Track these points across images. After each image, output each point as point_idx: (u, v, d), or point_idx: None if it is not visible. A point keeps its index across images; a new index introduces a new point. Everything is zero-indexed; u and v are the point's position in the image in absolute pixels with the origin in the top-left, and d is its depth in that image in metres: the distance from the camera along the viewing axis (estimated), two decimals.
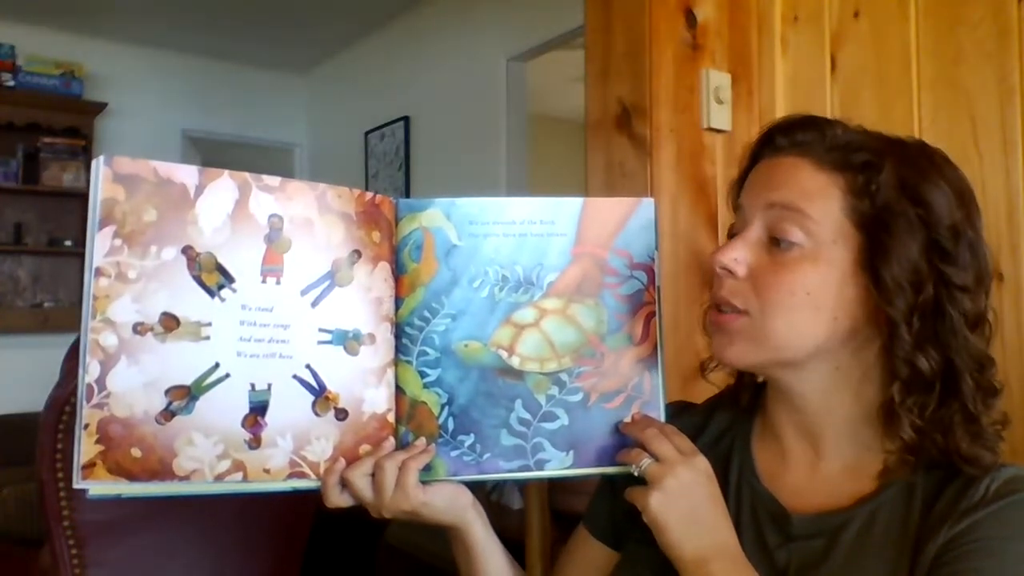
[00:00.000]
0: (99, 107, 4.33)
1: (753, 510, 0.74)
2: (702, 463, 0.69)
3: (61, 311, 4.25)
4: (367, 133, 4.48)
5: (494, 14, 3.62)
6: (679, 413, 0.85)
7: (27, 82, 4.14)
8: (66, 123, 4.22)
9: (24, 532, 2.64)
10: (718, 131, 1.33)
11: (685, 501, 0.67)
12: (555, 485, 1.22)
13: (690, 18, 1.31)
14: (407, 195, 4.17)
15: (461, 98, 3.79)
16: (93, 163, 0.65)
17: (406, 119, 4.17)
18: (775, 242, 0.69)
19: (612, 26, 1.31)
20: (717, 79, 1.32)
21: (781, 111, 1.39)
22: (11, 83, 4.10)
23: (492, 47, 3.60)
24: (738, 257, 0.70)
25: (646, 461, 0.69)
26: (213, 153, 5.42)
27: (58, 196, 4.23)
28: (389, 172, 4.31)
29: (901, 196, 0.66)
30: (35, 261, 4.34)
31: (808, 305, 0.67)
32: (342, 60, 4.83)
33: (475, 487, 0.76)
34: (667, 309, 1.26)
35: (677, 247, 1.28)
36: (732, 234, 0.75)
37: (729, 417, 0.82)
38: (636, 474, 0.69)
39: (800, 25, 1.39)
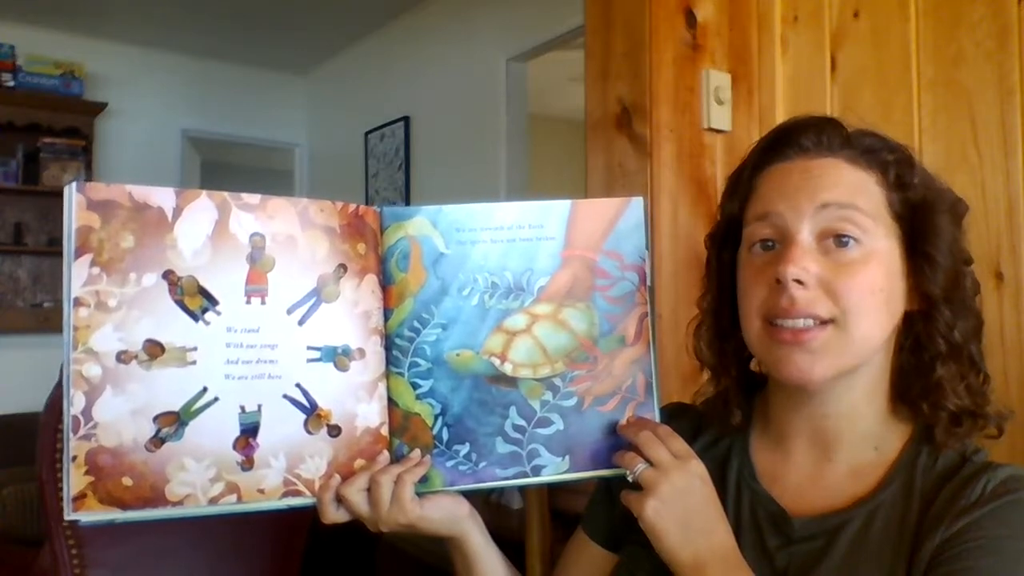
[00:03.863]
0: (99, 107, 4.33)
1: (753, 512, 0.74)
2: (697, 467, 0.69)
3: (61, 311, 4.22)
4: (367, 133, 4.47)
5: (494, 14, 3.62)
6: (676, 414, 0.85)
7: (27, 82, 4.14)
8: (66, 123, 4.22)
9: (24, 532, 2.64)
10: (718, 131, 1.33)
11: (680, 506, 0.66)
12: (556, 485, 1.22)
13: (690, 18, 1.31)
14: (407, 195, 4.16)
15: (461, 98, 3.79)
16: (65, 190, 0.64)
17: (406, 119, 4.16)
18: (837, 241, 0.67)
19: (612, 26, 1.31)
20: (717, 79, 1.32)
21: (781, 111, 1.39)
22: (11, 83, 4.10)
23: (492, 47, 3.60)
24: (807, 266, 0.67)
25: (640, 466, 0.69)
26: (213, 153, 5.43)
27: (58, 196, 4.11)
28: (389, 172, 4.31)
29: (925, 184, 0.70)
30: (35, 261, 4.33)
31: (882, 303, 0.68)
32: (342, 60, 4.83)
33: (481, 491, 0.75)
34: (667, 309, 1.26)
35: (677, 247, 1.28)
36: (764, 243, 0.71)
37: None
38: (631, 480, 0.69)
39: (800, 25, 1.39)
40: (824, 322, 0.67)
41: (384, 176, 4.35)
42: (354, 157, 4.58)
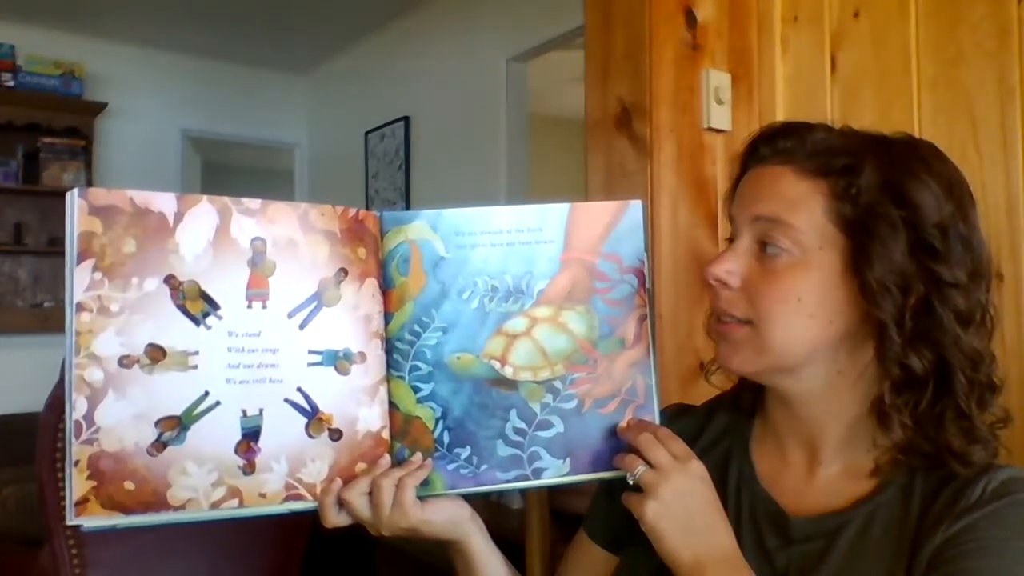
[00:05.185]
0: (99, 107, 4.33)
1: (752, 513, 0.74)
2: (697, 468, 0.69)
3: (61, 311, 4.18)
4: (367, 133, 4.47)
5: (494, 14, 3.62)
6: (677, 416, 0.85)
7: (27, 82, 4.14)
8: (66, 123, 4.22)
9: (24, 532, 2.64)
10: (718, 131, 1.33)
11: (681, 508, 0.67)
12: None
13: (690, 18, 1.31)
14: (407, 195, 4.16)
15: (461, 98, 3.79)
16: (67, 196, 0.64)
17: (406, 119, 4.16)
18: (763, 248, 0.70)
19: (612, 26, 1.31)
20: (717, 79, 1.32)
21: (781, 111, 1.39)
22: (11, 83, 4.10)
23: (492, 47, 3.59)
24: (730, 268, 0.71)
25: (641, 468, 0.69)
26: (213, 153, 5.42)
27: (58, 196, 4.17)
28: (389, 172, 4.31)
29: (883, 197, 0.66)
30: (35, 261, 4.33)
31: (801, 311, 0.68)
32: (342, 60, 4.83)
33: (482, 494, 0.75)
34: (667, 309, 1.26)
35: (677, 247, 1.28)
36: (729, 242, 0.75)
37: (728, 419, 0.82)
38: (631, 482, 0.69)
39: (800, 25, 1.39)
40: (742, 321, 0.71)
41: (384, 176, 4.35)
42: (354, 157, 4.58)
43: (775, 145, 0.72)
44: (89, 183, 4.16)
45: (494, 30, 3.61)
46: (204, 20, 4.29)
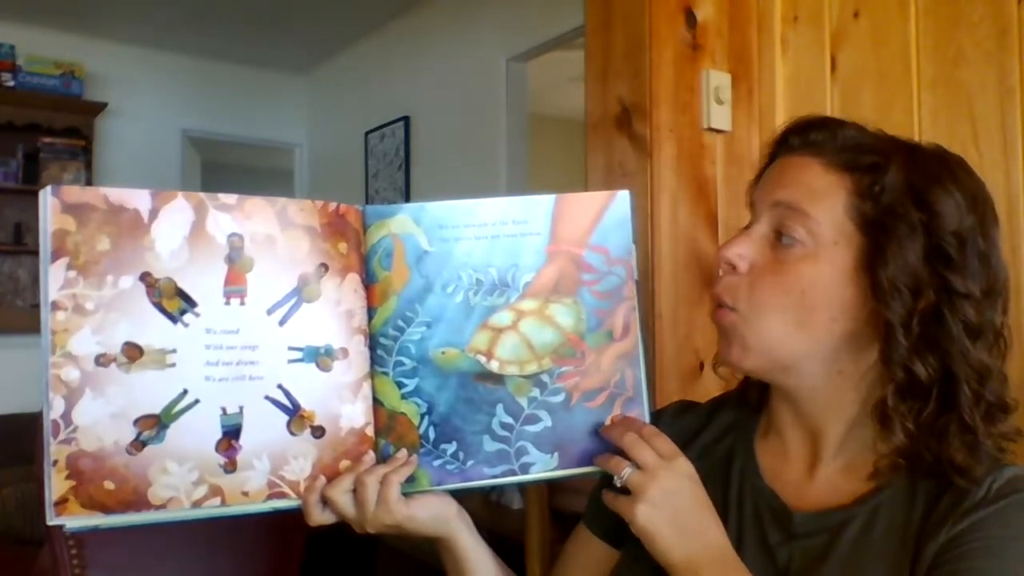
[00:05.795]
0: (99, 107, 4.33)
1: (755, 508, 0.74)
2: (684, 466, 0.68)
3: None
4: (367, 133, 4.48)
5: (494, 14, 3.62)
6: (681, 412, 0.85)
7: (27, 82, 4.14)
8: (66, 123, 4.21)
9: (24, 532, 2.64)
10: (718, 131, 1.33)
11: (670, 508, 0.66)
12: (554, 485, 1.22)
13: (690, 18, 1.31)
14: (407, 195, 4.16)
15: (461, 98, 3.79)
16: (40, 194, 0.64)
17: (406, 119, 4.16)
18: (779, 237, 0.69)
19: (612, 26, 1.31)
20: (717, 79, 1.32)
21: (781, 111, 1.39)
22: (11, 83, 4.10)
23: (492, 47, 3.60)
24: (742, 252, 0.71)
25: (627, 470, 0.68)
26: (213, 153, 5.42)
27: None
28: (389, 172, 4.31)
29: (905, 199, 0.66)
30: (35, 261, 4.28)
31: (802, 305, 0.67)
32: (342, 60, 4.83)
33: (469, 490, 0.75)
34: (667, 309, 1.26)
35: (677, 247, 1.28)
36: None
37: (733, 415, 0.82)
38: (619, 485, 0.68)
39: (800, 25, 1.39)
40: (730, 309, 0.71)
41: (384, 176, 4.35)
42: (354, 157, 4.58)
43: (806, 136, 0.72)
44: (89, 183, 4.15)
45: (494, 30, 3.61)
46: (204, 20, 4.29)
